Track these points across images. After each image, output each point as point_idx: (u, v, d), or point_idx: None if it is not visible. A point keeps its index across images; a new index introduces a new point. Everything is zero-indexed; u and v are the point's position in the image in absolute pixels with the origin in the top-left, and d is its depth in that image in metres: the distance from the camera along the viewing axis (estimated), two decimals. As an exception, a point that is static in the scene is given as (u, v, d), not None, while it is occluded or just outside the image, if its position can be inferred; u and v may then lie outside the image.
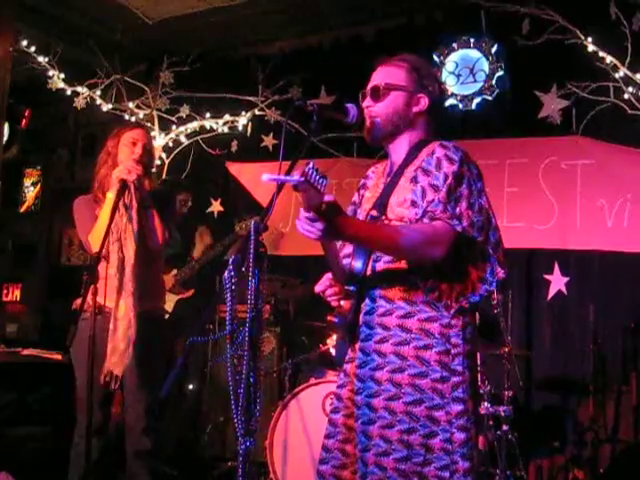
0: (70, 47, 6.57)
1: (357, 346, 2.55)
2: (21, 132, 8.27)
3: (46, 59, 6.40)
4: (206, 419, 5.70)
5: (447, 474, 2.33)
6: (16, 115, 7.96)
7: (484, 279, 2.47)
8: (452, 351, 2.42)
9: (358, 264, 2.55)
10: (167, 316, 4.63)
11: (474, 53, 5.83)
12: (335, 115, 2.55)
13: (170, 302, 5.09)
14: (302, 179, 2.04)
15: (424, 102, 2.61)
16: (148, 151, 3.64)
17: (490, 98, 5.74)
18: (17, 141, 8.28)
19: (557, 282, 5.33)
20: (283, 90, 6.26)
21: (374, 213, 2.56)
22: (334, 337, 4.85)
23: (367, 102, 2.65)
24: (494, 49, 5.74)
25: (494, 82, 5.73)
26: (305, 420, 4.50)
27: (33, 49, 6.36)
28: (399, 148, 2.63)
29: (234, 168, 6.74)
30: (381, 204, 2.56)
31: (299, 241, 6.18)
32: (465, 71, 5.82)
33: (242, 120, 6.41)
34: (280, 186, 2.31)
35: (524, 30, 5.30)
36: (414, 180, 2.49)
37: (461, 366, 2.41)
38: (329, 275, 2.68)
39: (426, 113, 2.62)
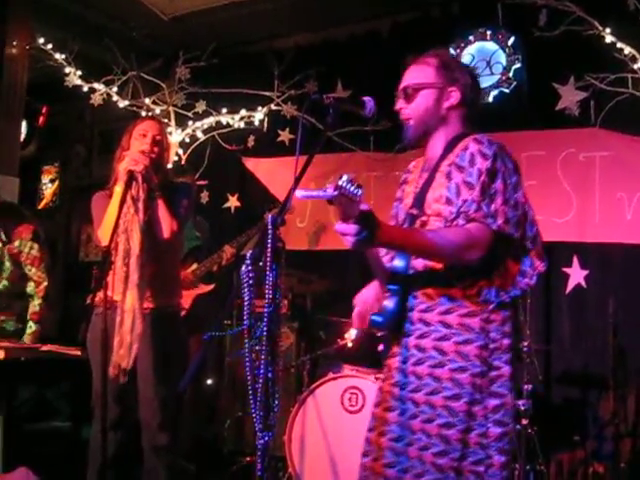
0: (86, 44, 6.60)
1: (401, 342, 2.56)
2: (39, 129, 8.32)
3: (63, 56, 6.43)
4: (224, 414, 5.71)
5: (482, 468, 2.35)
6: (34, 113, 8.02)
7: (524, 273, 2.48)
8: (491, 346, 2.43)
9: (400, 263, 2.55)
10: (183, 312, 4.62)
11: (491, 45, 5.80)
12: (352, 108, 2.54)
13: (188, 298, 5.08)
14: (336, 193, 2.04)
15: (455, 96, 2.59)
16: (158, 142, 3.62)
17: (507, 91, 5.70)
18: (35, 138, 8.33)
19: (576, 275, 5.30)
20: (299, 85, 6.26)
21: (413, 211, 2.57)
22: (352, 332, 4.85)
23: (399, 104, 2.64)
24: (511, 41, 5.70)
25: (511, 74, 5.70)
26: (323, 415, 4.49)
27: (50, 46, 6.39)
28: (436, 144, 2.62)
29: (250, 163, 6.75)
30: (419, 201, 2.57)
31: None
32: (482, 64, 5.79)
33: (258, 115, 6.41)
34: (297, 181, 2.31)
35: (541, 22, 5.27)
36: (448, 176, 2.49)
37: (499, 360, 2.43)
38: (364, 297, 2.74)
39: (459, 106, 2.60)
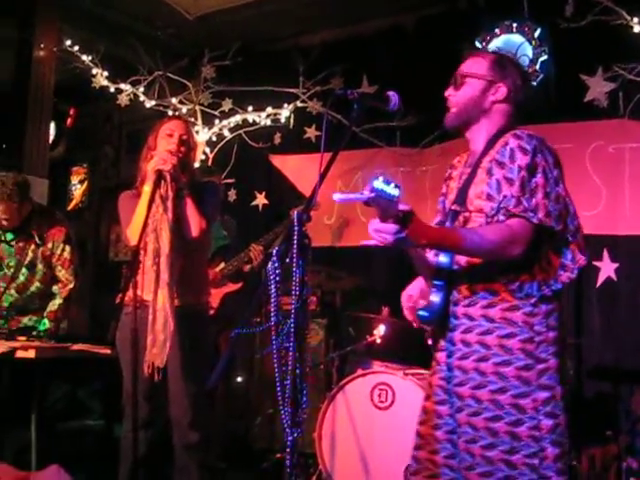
0: (113, 45, 6.65)
1: (446, 336, 2.60)
2: (67, 131, 8.39)
3: (89, 58, 6.47)
4: (255, 411, 5.72)
5: (536, 461, 2.37)
6: (62, 114, 8.09)
7: (565, 266, 2.51)
8: (536, 339, 2.45)
9: (445, 259, 2.58)
10: (212, 311, 4.63)
11: (517, 38, 5.74)
12: (376, 103, 2.56)
13: (217, 297, 5.09)
14: (372, 195, 2.09)
15: (502, 91, 2.62)
16: (185, 141, 3.63)
17: (534, 83, 5.65)
18: (63, 140, 8.41)
19: (606, 268, 5.24)
20: (325, 81, 6.24)
21: (456, 207, 2.61)
22: (380, 327, 4.84)
23: (448, 91, 2.69)
24: (537, 33, 5.64)
25: (538, 67, 5.63)
26: (353, 411, 4.48)
27: (77, 48, 6.43)
28: (477, 137, 2.66)
29: (277, 161, 6.76)
30: (461, 197, 2.61)
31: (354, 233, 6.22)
32: (508, 57, 5.74)
33: (284, 112, 6.42)
34: (322, 177, 2.32)
35: (568, 12, 5.20)
36: (489, 172, 2.53)
37: (545, 353, 2.45)
38: (410, 293, 2.77)
39: (505, 102, 2.64)
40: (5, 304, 4.58)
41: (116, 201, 3.76)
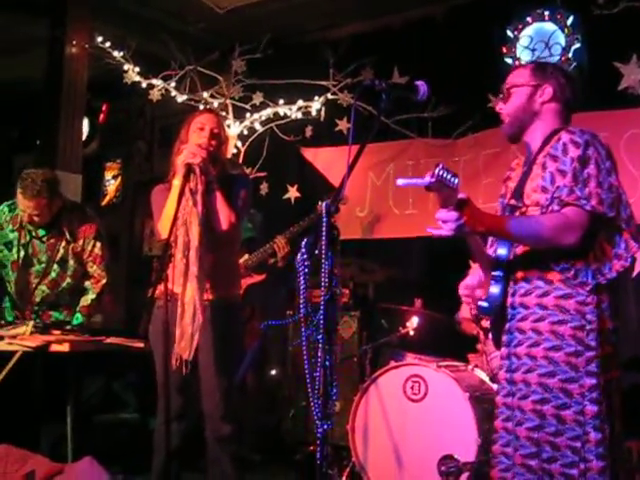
0: (144, 41, 6.67)
1: (505, 327, 2.70)
2: (100, 127, 8.45)
3: (121, 54, 6.52)
4: (288, 404, 5.73)
5: (579, 444, 2.45)
6: (95, 110, 8.15)
7: (619, 255, 2.57)
8: (587, 327, 2.53)
9: (503, 250, 2.68)
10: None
11: (549, 26, 5.68)
12: (404, 93, 2.57)
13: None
14: (433, 180, 2.20)
15: (548, 92, 2.72)
16: (216, 135, 3.63)
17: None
18: (97, 136, 8.47)
19: (643, 258, 5.17)
20: (355, 73, 6.23)
21: (512, 202, 2.70)
22: (413, 320, 4.83)
23: (499, 105, 2.82)
24: (570, 21, 5.57)
25: (571, 55, 5.57)
26: (386, 403, 4.47)
27: (108, 44, 6.48)
28: (534, 138, 2.75)
29: (309, 153, 6.76)
30: (518, 192, 2.70)
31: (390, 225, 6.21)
32: (540, 45, 5.68)
33: (315, 105, 6.40)
34: (350, 169, 2.32)
35: (600, -1, 5.14)
36: (544, 166, 2.61)
37: (595, 341, 2.51)
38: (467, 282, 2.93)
39: (553, 102, 2.73)
40: (37, 299, 4.62)
41: (149, 195, 3.78)
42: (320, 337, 2.18)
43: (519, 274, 2.66)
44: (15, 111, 8.43)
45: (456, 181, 2.24)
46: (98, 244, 4.64)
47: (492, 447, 2.71)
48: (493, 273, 2.69)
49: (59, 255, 4.60)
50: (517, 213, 2.67)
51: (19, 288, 4.63)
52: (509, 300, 2.68)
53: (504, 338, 2.70)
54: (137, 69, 6.59)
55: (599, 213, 2.49)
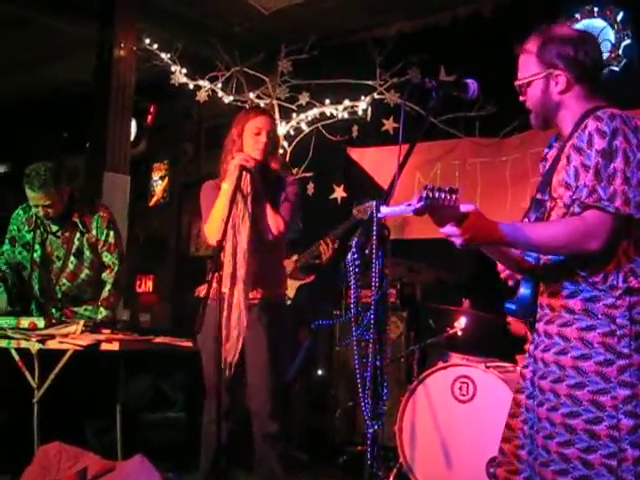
0: (191, 42, 6.73)
1: (532, 328, 2.55)
2: (148, 128, 8.53)
3: (168, 55, 6.59)
4: (335, 403, 5.73)
5: (614, 462, 2.23)
6: (142, 112, 8.23)
7: None
8: (618, 332, 2.29)
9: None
10: (289, 303, 4.66)
11: (598, 22, 5.60)
12: (454, 91, 2.51)
13: (291, 289, 5.12)
14: (421, 203, 2.08)
15: (562, 80, 2.45)
16: (271, 138, 3.65)
17: (617, 69, 5.50)
18: (144, 137, 8.55)
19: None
20: (402, 72, 6.19)
21: (539, 196, 2.51)
22: (461, 320, 4.80)
23: (522, 97, 2.56)
24: (620, 17, 5.49)
25: (621, 52, 5.48)
26: (433, 404, 4.45)
27: (156, 47, 6.55)
28: (565, 125, 2.50)
29: (355, 153, 6.75)
30: (545, 184, 2.50)
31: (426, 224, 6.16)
32: (590, 42, 5.61)
33: (362, 105, 6.39)
34: (400, 169, 2.30)
35: (651, -6, 5.07)
36: (569, 159, 2.39)
37: (628, 348, 2.28)
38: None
39: (571, 87, 2.45)
40: (59, 295, 4.69)
41: (196, 196, 3.80)
42: (370, 337, 2.17)
43: (547, 274, 2.48)
44: (65, 112, 8.56)
45: (454, 197, 2.07)
46: (111, 233, 4.68)
47: (503, 445, 2.56)
48: (520, 273, 2.54)
49: (74, 247, 4.65)
50: (544, 207, 2.47)
51: (42, 287, 4.71)
52: (539, 299, 2.50)
53: (533, 338, 2.52)
54: (184, 70, 6.66)
55: (625, 215, 2.24)
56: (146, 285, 8.63)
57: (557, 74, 2.45)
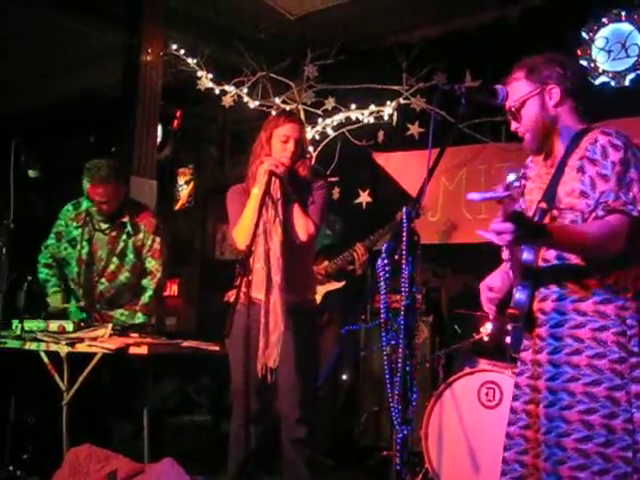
0: (216, 48, 6.78)
1: (533, 333, 2.60)
2: (173, 133, 8.59)
3: (194, 61, 6.64)
4: (360, 409, 5.74)
5: (630, 454, 2.36)
6: (168, 116, 8.27)
7: None
8: (628, 332, 2.44)
9: (529, 256, 2.56)
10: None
11: (626, 27, 5.59)
12: (484, 97, 2.56)
13: (319, 294, 5.13)
14: (507, 193, 2.16)
15: (555, 92, 2.59)
16: (300, 145, 3.66)
17: (643, 73, 5.50)
18: (170, 142, 8.61)
19: None
20: (427, 77, 6.20)
21: (543, 205, 2.57)
22: (487, 325, 4.79)
23: (513, 125, 2.69)
24: (647, 21, 5.49)
25: (649, 55, 5.48)
26: (460, 410, 4.45)
27: (182, 52, 6.60)
28: (559, 142, 2.63)
29: (381, 158, 6.76)
30: (549, 196, 2.57)
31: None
32: (617, 46, 5.59)
33: (387, 110, 6.40)
34: (430, 174, 2.32)
35: (680, -2, 5.05)
36: (581, 170, 2.50)
37: (638, 347, 2.42)
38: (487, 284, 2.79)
39: (565, 99, 2.60)
40: (98, 296, 4.69)
41: (221, 201, 3.81)
42: (400, 342, 2.18)
43: (552, 280, 2.55)
44: (92, 117, 8.63)
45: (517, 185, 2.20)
46: (158, 239, 4.69)
47: (505, 454, 2.61)
48: (520, 279, 2.59)
49: (119, 248, 4.65)
50: (547, 217, 2.54)
51: (83, 285, 4.71)
52: (538, 305, 2.57)
53: (528, 343, 2.61)
54: (210, 76, 6.70)
55: None
56: (172, 289, 8.68)
57: (551, 88, 2.59)
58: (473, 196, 2.17)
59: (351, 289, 5.30)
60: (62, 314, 4.56)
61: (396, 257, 2.21)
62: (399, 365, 2.18)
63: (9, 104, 8.60)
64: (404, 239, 2.19)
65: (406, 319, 2.18)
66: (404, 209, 2.21)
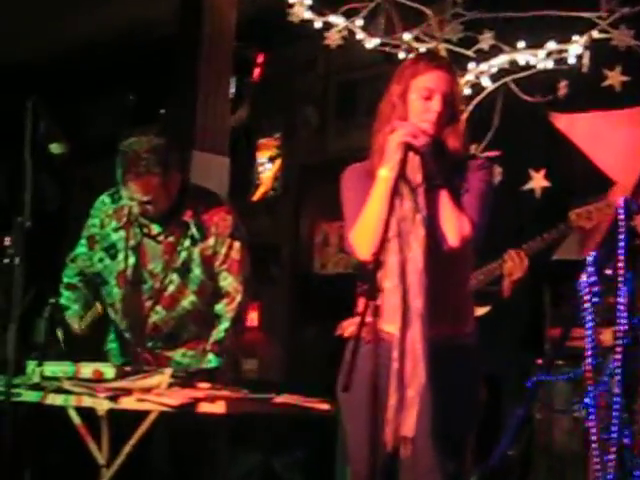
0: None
1: None
2: (252, 87, 8.67)
3: (284, -19, 6.69)
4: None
5: None
6: (246, 64, 8.35)
7: None
8: None
9: None
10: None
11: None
12: None
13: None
14: None
15: None
16: (450, 104, 3.62)
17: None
18: (247, 99, 8.69)
19: None
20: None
21: None
22: None
23: None
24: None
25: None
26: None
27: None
28: None
29: (563, 122, 6.72)
30: None
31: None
32: None
33: (574, 49, 6.33)
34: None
35: None
36: None
37: None
38: None
39: None
40: (148, 329, 4.67)
41: (326, 183, 3.82)
42: (615, 399, 2.17)
43: None
44: (132, 70, 8.80)
45: None
46: (236, 245, 4.59)
47: None
48: None
49: (180, 259, 4.57)
50: None
51: (128, 314, 4.70)
52: None
53: None
54: (308, 1, 6.71)
55: None
56: (249, 318, 8.75)
57: None
58: None
59: (499, 317, 5.24)
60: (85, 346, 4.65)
61: (608, 271, 2.20)
62: (613, 435, 2.17)
63: (21, 51, 8.83)
64: (621, 244, 2.17)
65: (623, 364, 2.17)
66: (621, 200, 2.19)
